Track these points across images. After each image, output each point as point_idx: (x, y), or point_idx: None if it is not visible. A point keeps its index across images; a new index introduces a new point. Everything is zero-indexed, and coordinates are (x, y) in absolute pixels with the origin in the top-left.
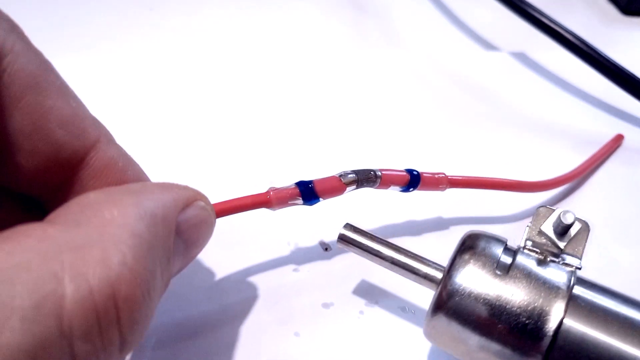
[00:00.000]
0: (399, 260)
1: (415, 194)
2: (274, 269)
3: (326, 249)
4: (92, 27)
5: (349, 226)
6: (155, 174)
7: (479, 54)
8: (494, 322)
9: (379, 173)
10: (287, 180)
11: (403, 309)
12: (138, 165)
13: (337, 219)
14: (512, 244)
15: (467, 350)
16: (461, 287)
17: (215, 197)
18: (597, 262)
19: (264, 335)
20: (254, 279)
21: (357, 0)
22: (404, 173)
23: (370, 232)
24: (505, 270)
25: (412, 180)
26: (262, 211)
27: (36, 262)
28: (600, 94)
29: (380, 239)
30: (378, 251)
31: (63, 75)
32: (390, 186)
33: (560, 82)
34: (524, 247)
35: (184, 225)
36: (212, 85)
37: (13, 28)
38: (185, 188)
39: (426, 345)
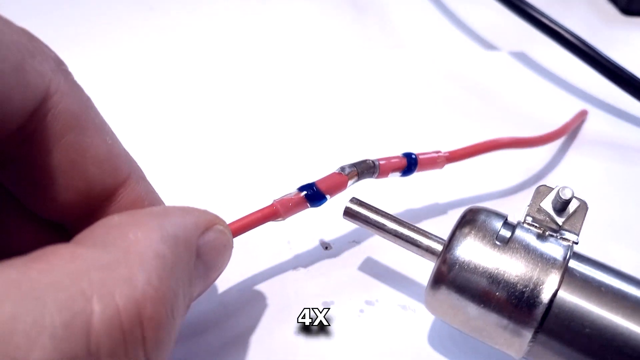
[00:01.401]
0: (402, 233)
1: (414, 180)
2: (274, 268)
3: (326, 248)
4: (92, 26)
5: (355, 200)
6: (154, 174)
7: (479, 54)
8: (492, 291)
9: (377, 162)
10: (288, 181)
11: (403, 307)
12: (162, 202)
13: (338, 217)
14: (512, 220)
15: (466, 319)
16: (460, 258)
17: (216, 198)
18: None
19: (263, 335)
20: (254, 278)
21: (358, 1)
22: (401, 157)
23: (375, 207)
24: (504, 243)
25: (410, 163)
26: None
27: (66, 281)
28: (600, 94)
29: (385, 212)
30: (382, 224)
31: None
32: (389, 173)
33: (560, 82)
34: (524, 222)
35: (204, 248)
36: (212, 85)
37: (59, 66)
38: (205, 212)
39: (427, 343)
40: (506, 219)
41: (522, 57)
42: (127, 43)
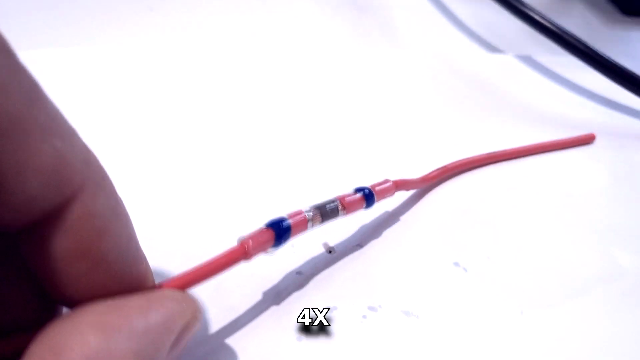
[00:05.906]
0: None
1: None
2: (277, 272)
3: (330, 252)
4: (92, 27)
5: None
6: (151, 180)
7: (483, 56)
8: None
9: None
10: (285, 184)
11: (407, 313)
12: (124, 224)
13: (341, 221)
14: None
15: None
16: None
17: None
18: (600, 266)
19: (265, 339)
20: (256, 281)
21: (358, 1)
22: (359, 195)
23: None
24: None
25: (368, 199)
26: (264, 209)
27: None
28: (603, 94)
29: None
30: None
31: (60, 75)
32: (353, 212)
33: (565, 83)
34: None
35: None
36: (212, 85)
37: None
38: (180, 315)
39: (430, 349)
40: None
41: (528, 60)
42: (127, 44)
